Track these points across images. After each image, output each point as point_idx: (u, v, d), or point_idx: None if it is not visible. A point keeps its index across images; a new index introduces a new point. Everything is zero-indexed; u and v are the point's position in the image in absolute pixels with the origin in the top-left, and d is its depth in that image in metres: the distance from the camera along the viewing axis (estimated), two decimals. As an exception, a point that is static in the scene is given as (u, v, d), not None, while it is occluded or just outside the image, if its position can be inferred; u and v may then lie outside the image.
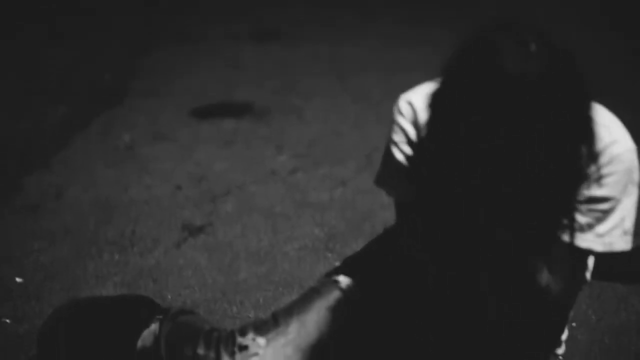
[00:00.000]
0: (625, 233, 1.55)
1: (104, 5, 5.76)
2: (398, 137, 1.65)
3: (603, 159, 1.47)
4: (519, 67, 1.26)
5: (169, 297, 2.42)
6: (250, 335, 1.84)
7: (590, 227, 1.52)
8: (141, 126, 3.84)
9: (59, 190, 3.17)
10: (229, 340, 1.84)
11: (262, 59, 4.90)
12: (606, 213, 1.51)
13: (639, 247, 2.13)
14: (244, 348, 1.82)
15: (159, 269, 2.57)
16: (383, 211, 2.81)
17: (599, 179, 1.48)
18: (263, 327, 1.86)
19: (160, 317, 1.97)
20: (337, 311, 1.86)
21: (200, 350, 1.84)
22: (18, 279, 2.52)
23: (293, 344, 1.83)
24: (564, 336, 1.94)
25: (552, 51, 1.29)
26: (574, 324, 2.19)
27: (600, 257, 1.68)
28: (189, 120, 3.94)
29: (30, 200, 3.09)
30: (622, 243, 1.55)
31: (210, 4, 6.00)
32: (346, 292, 1.88)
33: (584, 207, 1.50)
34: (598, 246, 1.54)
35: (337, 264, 1.99)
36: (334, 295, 1.88)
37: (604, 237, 1.53)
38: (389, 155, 1.69)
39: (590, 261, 1.72)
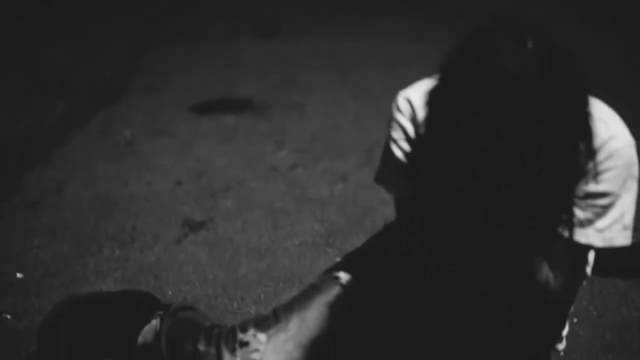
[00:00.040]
0: (625, 228, 1.54)
1: (104, 5, 5.76)
2: (397, 134, 1.65)
3: (602, 154, 1.47)
4: (518, 66, 1.25)
5: (170, 292, 2.42)
6: (251, 332, 1.84)
7: (590, 222, 1.52)
8: (141, 122, 3.84)
9: (59, 187, 3.17)
10: (230, 337, 1.84)
11: (262, 55, 4.90)
12: (606, 208, 1.51)
13: (639, 243, 2.14)
14: (244, 344, 1.82)
15: (159, 265, 2.57)
16: (383, 206, 2.80)
17: (598, 174, 1.47)
18: (264, 323, 1.86)
19: (161, 313, 1.97)
20: (337, 307, 1.86)
21: (201, 347, 1.84)
22: (18, 275, 2.52)
23: (294, 340, 1.83)
24: (565, 332, 1.94)
25: (552, 51, 1.29)
26: (575, 320, 2.19)
27: (600, 252, 1.68)
28: (189, 116, 3.94)
29: (30, 196, 3.09)
30: (622, 238, 1.55)
31: (210, 3, 6.00)
32: (346, 289, 1.88)
33: (583, 202, 1.49)
34: (598, 241, 1.54)
35: (338, 259, 1.99)
36: (334, 292, 1.88)
37: (603, 232, 1.53)
38: (388, 152, 1.69)
39: (591, 256, 1.72)
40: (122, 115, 3.94)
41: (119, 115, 3.95)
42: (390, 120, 1.67)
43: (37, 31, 5.24)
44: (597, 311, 2.25)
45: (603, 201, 1.50)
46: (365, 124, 3.70)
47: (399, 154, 1.65)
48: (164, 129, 3.75)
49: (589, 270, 1.75)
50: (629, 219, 1.55)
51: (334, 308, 1.85)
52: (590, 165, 1.43)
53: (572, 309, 1.84)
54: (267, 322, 1.86)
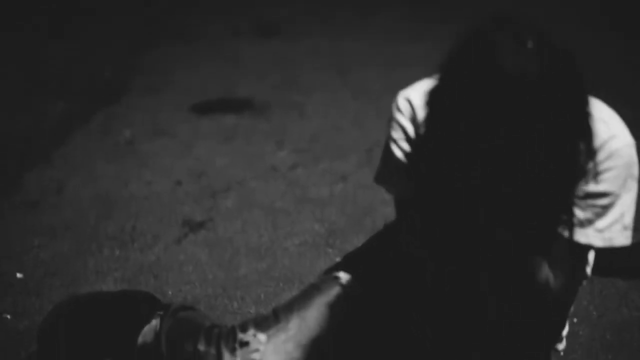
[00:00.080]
0: (625, 228, 1.54)
1: (104, 5, 5.76)
2: (397, 134, 1.65)
3: (602, 154, 1.46)
4: (518, 66, 1.25)
5: (170, 292, 2.42)
6: (251, 332, 1.84)
7: (590, 222, 1.52)
8: (141, 122, 3.83)
9: (59, 186, 3.17)
10: (230, 337, 1.84)
11: (262, 54, 4.89)
12: (606, 208, 1.51)
13: (639, 243, 2.14)
14: (244, 344, 1.82)
15: (159, 265, 2.57)
16: (384, 206, 2.80)
17: (598, 174, 1.47)
18: (264, 323, 1.86)
19: (161, 313, 1.97)
20: (337, 307, 1.86)
21: (201, 347, 1.84)
22: (18, 275, 2.52)
23: (294, 340, 1.83)
24: (565, 331, 1.94)
25: (552, 51, 1.29)
26: (575, 320, 2.19)
27: (600, 252, 1.68)
28: (188, 116, 3.93)
29: (30, 196, 3.09)
30: (622, 238, 1.55)
31: (210, 3, 5.99)
32: (346, 289, 1.88)
33: (583, 202, 1.49)
34: (598, 241, 1.53)
35: (338, 259, 1.99)
36: (334, 292, 1.88)
37: (603, 232, 1.53)
38: (388, 152, 1.69)
39: (591, 256, 1.72)
40: (122, 115, 3.94)
41: (119, 115, 3.95)
42: (390, 120, 1.67)
43: (37, 31, 5.24)
44: (597, 311, 2.25)
45: (603, 201, 1.50)
46: (365, 124, 3.70)
47: (399, 154, 1.65)
48: (164, 129, 3.75)
49: (589, 270, 1.75)
50: (629, 219, 1.55)
51: (334, 308, 1.85)
52: (590, 165, 1.43)
53: (572, 308, 1.84)
54: (267, 322, 1.86)
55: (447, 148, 1.33)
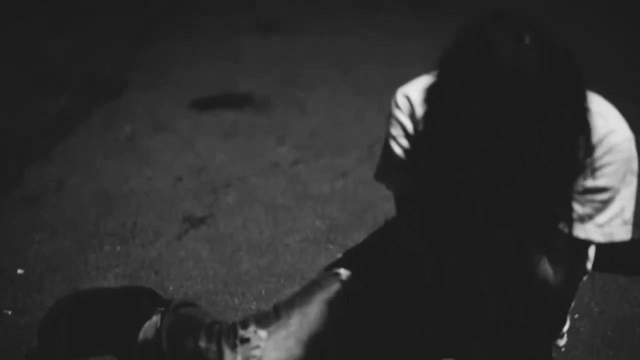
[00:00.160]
0: (625, 223, 1.54)
1: (104, 5, 5.75)
2: (396, 130, 1.65)
3: (601, 149, 1.46)
4: (518, 67, 1.25)
5: (171, 288, 2.42)
6: (252, 328, 1.84)
7: (589, 217, 1.51)
8: (141, 118, 3.83)
9: (59, 182, 3.16)
10: (231, 333, 1.84)
11: (262, 50, 4.88)
12: (605, 203, 1.51)
13: (639, 239, 2.14)
14: (245, 341, 1.82)
15: (160, 261, 2.57)
16: (384, 202, 2.80)
17: (597, 169, 1.47)
18: (264, 320, 1.86)
19: (162, 309, 1.97)
20: (338, 304, 1.86)
21: (202, 343, 1.84)
22: (19, 271, 2.52)
23: (294, 336, 1.83)
24: (566, 327, 1.94)
25: (551, 50, 1.28)
26: (576, 316, 2.19)
27: (600, 247, 1.68)
28: (189, 111, 3.93)
29: (30, 192, 3.09)
30: (622, 233, 1.55)
31: (210, 2, 5.97)
32: (347, 285, 1.88)
33: (583, 197, 1.49)
34: (598, 236, 1.53)
35: (339, 255, 1.99)
36: (335, 288, 1.88)
37: (603, 227, 1.52)
38: (387, 149, 1.69)
39: (591, 251, 1.72)
40: (123, 111, 3.93)
41: (120, 110, 3.94)
42: (389, 116, 1.67)
43: (37, 31, 5.23)
44: (598, 307, 2.25)
45: (603, 196, 1.50)
46: (366, 120, 3.69)
47: (398, 150, 1.65)
48: (164, 125, 3.74)
49: (589, 265, 1.75)
50: (629, 213, 1.55)
51: (334, 304, 1.85)
52: (589, 160, 1.43)
53: (573, 304, 1.84)
54: (268, 318, 1.87)
55: (446, 145, 1.33)
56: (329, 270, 1.94)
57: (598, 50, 4.28)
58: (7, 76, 4.41)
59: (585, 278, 1.78)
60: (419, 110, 1.55)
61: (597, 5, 5.32)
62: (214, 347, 1.83)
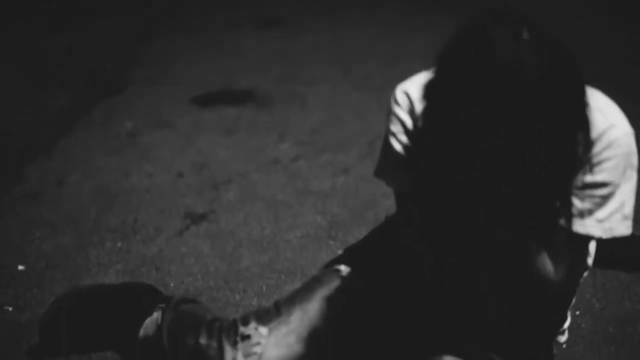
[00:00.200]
0: (625, 218, 1.54)
1: (104, 5, 5.75)
2: (395, 127, 1.65)
3: (601, 144, 1.46)
4: (517, 67, 1.24)
5: (172, 285, 2.42)
6: (253, 325, 1.83)
7: (589, 212, 1.51)
8: (142, 114, 3.83)
9: (60, 179, 3.16)
10: (231, 330, 1.84)
11: (263, 47, 4.88)
12: (605, 198, 1.50)
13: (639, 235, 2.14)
14: (246, 337, 1.82)
15: (161, 257, 2.57)
16: (385, 199, 2.80)
17: (597, 165, 1.47)
18: (265, 316, 1.85)
19: (163, 305, 1.97)
20: (338, 300, 1.86)
21: (203, 340, 1.84)
22: (20, 267, 2.52)
23: (295, 333, 1.83)
24: (567, 324, 1.93)
25: (551, 50, 1.28)
26: (577, 313, 2.19)
27: (600, 243, 1.68)
28: (190, 108, 3.93)
29: (31, 188, 3.09)
30: (622, 228, 1.54)
31: (211, 2, 5.96)
32: (348, 282, 1.87)
33: (582, 193, 1.49)
34: (598, 232, 1.53)
35: (340, 252, 1.99)
36: (335, 285, 1.87)
37: (603, 222, 1.52)
38: (387, 146, 1.68)
39: (592, 247, 1.72)
40: (123, 108, 3.93)
41: (120, 106, 3.94)
42: (388, 113, 1.67)
43: (37, 31, 5.23)
44: (599, 304, 2.25)
45: (602, 191, 1.50)
46: (367, 117, 3.69)
47: (397, 147, 1.65)
48: (165, 121, 3.74)
49: (590, 261, 1.75)
50: (629, 208, 1.54)
51: (335, 301, 1.85)
52: (589, 155, 1.43)
53: (574, 301, 1.84)
54: (268, 315, 1.86)
55: (446, 142, 1.33)
56: (330, 267, 1.94)
57: (598, 50, 4.27)
58: (7, 76, 4.41)
59: (586, 274, 1.78)
60: (419, 107, 1.54)
61: (597, 5, 5.31)
62: (214, 344, 1.83)
